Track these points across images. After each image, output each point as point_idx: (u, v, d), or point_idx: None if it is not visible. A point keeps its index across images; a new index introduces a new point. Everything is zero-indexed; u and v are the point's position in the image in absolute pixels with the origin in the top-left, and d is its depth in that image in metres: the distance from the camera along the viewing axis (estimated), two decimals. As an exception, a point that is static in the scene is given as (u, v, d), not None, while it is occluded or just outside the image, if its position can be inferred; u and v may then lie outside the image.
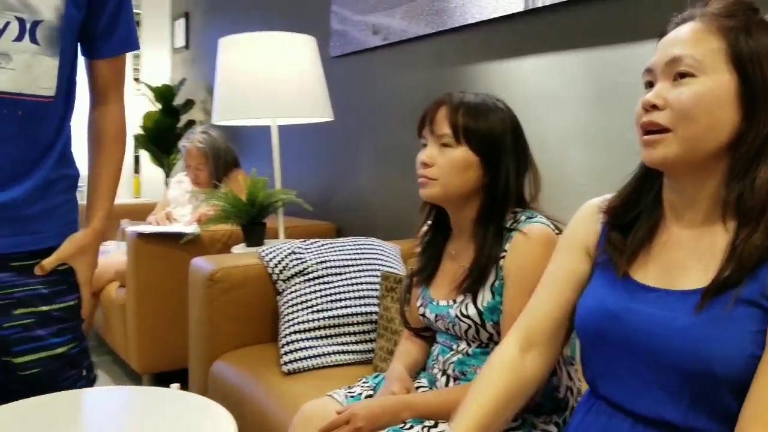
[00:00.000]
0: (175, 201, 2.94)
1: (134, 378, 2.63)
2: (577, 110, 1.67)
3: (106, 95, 1.19)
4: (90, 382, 1.23)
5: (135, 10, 5.23)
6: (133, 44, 1.19)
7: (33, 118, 1.06)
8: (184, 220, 2.75)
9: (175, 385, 1.21)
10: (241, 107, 2.18)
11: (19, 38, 1.02)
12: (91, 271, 1.20)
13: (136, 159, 5.03)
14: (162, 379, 2.34)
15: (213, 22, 3.88)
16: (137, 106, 4.09)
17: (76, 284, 1.18)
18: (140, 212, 3.31)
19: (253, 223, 2.22)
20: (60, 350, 1.14)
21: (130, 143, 4.76)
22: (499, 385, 0.91)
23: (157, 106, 4.00)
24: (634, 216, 0.87)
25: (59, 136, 1.13)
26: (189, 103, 4.01)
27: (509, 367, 0.92)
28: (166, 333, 2.41)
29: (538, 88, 1.78)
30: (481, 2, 1.91)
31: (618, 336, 0.81)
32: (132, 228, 2.44)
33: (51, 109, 1.09)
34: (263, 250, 1.84)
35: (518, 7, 1.79)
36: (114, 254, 2.88)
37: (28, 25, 1.03)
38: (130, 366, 2.52)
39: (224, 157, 2.77)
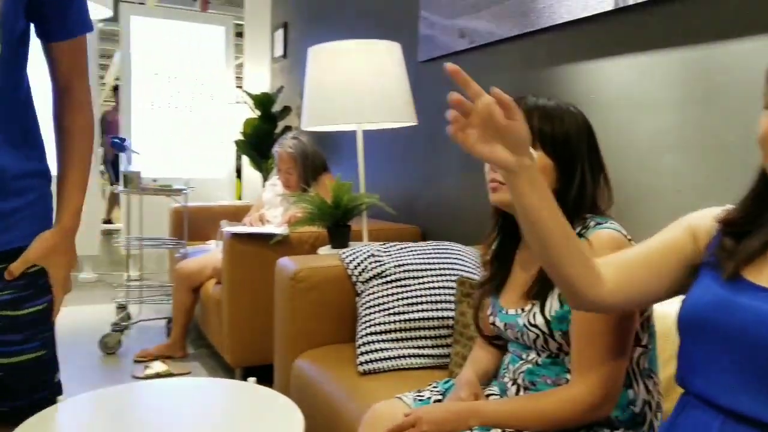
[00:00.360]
0: (269, 203, 3.08)
1: (228, 371, 2.76)
2: (671, 113, 1.58)
3: (70, 84, 1.12)
4: (58, 386, 1.17)
5: (238, 22, 5.53)
6: (88, 25, 1.12)
7: None
8: (275, 222, 2.87)
9: (252, 379, 1.27)
10: (328, 113, 2.25)
11: None
12: (64, 271, 1.12)
13: (238, 163, 5.31)
14: (253, 373, 2.44)
15: (308, 32, 4.01)
16: (239, 113, 4.31)
17: (47, 286, 1.10)
18: (239, 213, 3.50)
19: (338, 226, 2.28)
20: (29, 356, 1.08)
21: (232, 148, 5.03)
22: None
23: (256, 113, 4.19)
24: (752, 227, 0.85)
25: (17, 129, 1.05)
26: (286, 110, 4.18)
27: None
28: (257, 329, 2.52)
29: (629, 90, 1.70)
30: (570, 2, 1.86)
31: (721, 327, 0.79)
32: (227, 228, 2.57)
33: None
34: (343, 252, 1.88)
35: (608, 5, 1.72)
36: (213, 252, 3.06)
37: None
38: (224, 359, 2.66)
39: (312, 162, 2.87)
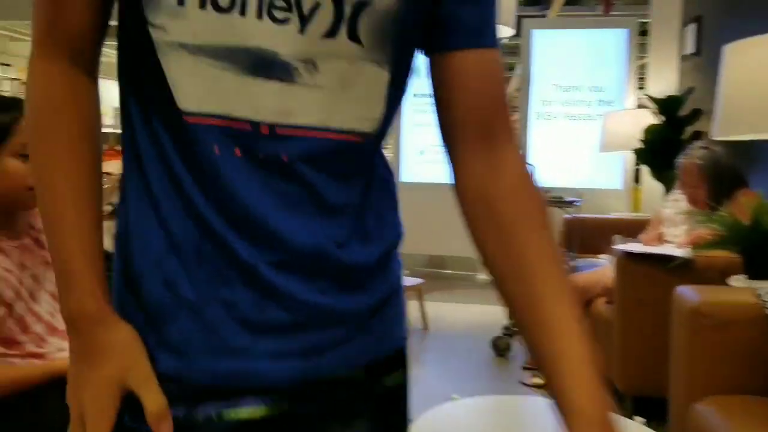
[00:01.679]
0: (669, 220, 2.81)
1: (617, 396, 2.62)
2: None
3: (491, 124, 0.64)
4: None
5: (642, 20, 5.20)
6: (494, 35, 0.65)
7: (330, 167, 0.59)
8: (676, 242, 2.60)
9: (639, 419, 1.17)
10: (748, 120, 1.91)
11: (332, 33, 0.56)
12: None
13: (636, 172, 5.01)
14: (646, 405, 2.26)
15: (728, 25, 3.51)
16: (639, 119, 4.05)
17: None
18: (635, 228, 3.28)
19: (756, 252, 1.92)
20: None
21: (630, 157, 4.75)
22: None
23: (659, 119, 3.88)
24: None
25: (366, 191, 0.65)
26: (695, 114, 3.75)
27: None
28: (653, 358, 2.32)
29: None
30: None
31: None
32: (620, 246, 2.44)
33: (362, 151, 0.62)
34: (762, 288, 1.57)
35: None
36: (604, 268, 2.95)
37: (347, 11, 0.56)
38: (614, 383, 2.53)
39: (726, 176, 2.49)
